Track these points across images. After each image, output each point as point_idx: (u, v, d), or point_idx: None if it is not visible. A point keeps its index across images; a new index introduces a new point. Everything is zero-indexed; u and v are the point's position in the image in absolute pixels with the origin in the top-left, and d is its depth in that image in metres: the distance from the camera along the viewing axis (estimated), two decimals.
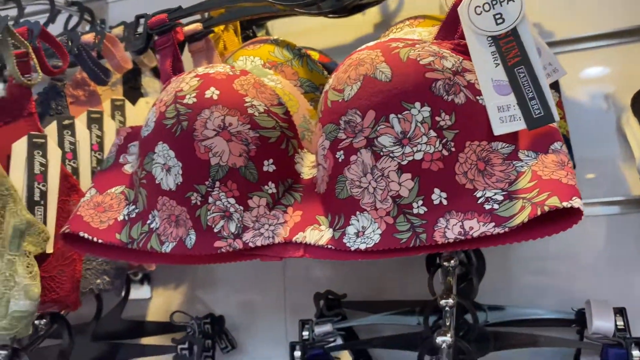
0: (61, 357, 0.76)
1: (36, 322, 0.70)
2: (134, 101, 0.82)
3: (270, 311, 0.84)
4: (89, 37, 0.76)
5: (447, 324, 0.57)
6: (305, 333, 0.72)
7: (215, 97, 0.51)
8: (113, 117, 0.79)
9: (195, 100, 0.51)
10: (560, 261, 0.71)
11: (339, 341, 0.72)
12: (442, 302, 0.58)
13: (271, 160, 0.53)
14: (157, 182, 0.53)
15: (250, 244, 0.51)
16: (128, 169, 0.60)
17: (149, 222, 0.54)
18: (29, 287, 0.58)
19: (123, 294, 0.83)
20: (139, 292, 0.90)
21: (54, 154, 0.66)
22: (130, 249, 0.56)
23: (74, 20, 0.93)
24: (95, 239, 0.55)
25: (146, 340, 0.85)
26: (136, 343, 0.81)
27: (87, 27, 0.93)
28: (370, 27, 0.84)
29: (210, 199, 0.51)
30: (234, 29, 0.74)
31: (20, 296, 0.58)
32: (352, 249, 0.47)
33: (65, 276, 0.64)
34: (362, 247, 0.46)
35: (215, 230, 0.52)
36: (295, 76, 0.62)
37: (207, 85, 0.52)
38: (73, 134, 0.71)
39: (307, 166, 0.56)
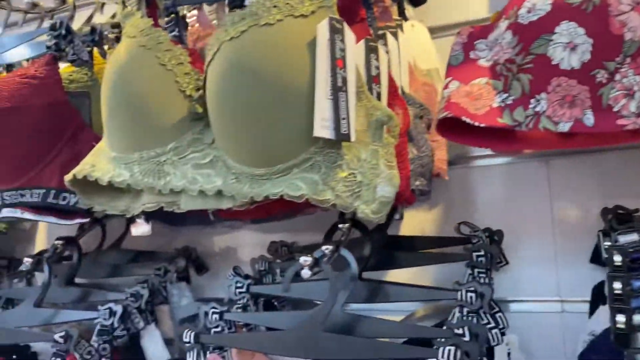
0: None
1: None
2: None
3: (536, 227, 0.83)
4: None
5: None
6: (606, 243, 0.71)
7: None
8: None
9: None
10: None
11: None
12: None
13: None
14: (553, 63, 0.53)
15: None
16: (483, 62, 0.61)
17: (531, 106, 0.56)
18: (391, 175, 0.61)
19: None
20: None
21: (384, 58, 0.69)
22: (506, 136, 0.57)
23: None
24: (477, 123, 0.57)
25: None
26: (429, 251, 0.83)
27: None
28: None
29: (617, 77, 0.52)
30: None
31: (384, 183, 0.61)
32: None
33: (401, 173, 0.67)
34: None
35: (615, 109, 0.52)
36: None
37: None
38: (385, 44, 0.74)
39: None
